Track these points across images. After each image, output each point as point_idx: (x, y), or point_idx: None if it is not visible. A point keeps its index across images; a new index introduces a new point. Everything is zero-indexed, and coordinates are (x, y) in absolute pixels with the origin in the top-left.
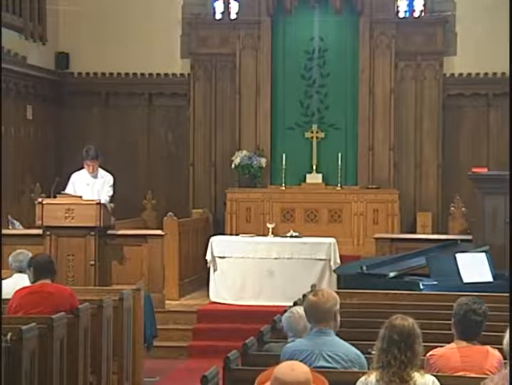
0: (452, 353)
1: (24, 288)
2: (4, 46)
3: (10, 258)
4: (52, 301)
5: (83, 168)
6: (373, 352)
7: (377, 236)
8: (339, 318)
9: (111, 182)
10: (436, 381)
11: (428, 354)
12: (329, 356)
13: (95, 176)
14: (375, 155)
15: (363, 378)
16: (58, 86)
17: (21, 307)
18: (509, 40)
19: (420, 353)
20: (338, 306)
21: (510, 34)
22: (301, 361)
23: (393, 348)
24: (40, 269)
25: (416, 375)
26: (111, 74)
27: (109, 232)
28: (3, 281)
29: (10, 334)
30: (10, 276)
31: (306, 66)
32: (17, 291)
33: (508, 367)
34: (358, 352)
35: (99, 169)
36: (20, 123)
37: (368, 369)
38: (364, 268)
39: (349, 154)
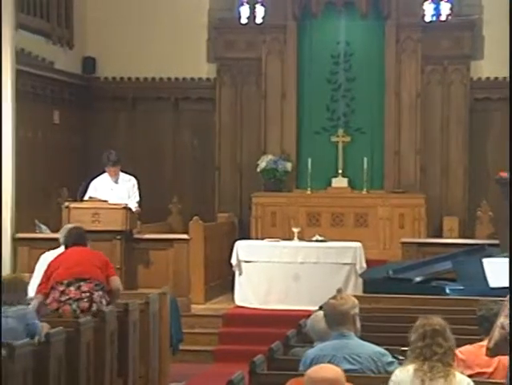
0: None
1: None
2: (31, 51)
3: (59, 234)
4: (95, 254)
5: (103, 172)
6: (404, 355)
7: (404, 240)
8: (358, 323)
9: (137, 186)
10: (471, 383)
11: (457, 350)
12: (352, 358)
13: (117, 181)
14: (402, 159)
15: (397, 372)
16: (85, 90)
17: (69, 255)
18: (509, 41)
19: (454, 345)
20: (357, 310)
21: (510, 36)
22: None
23: (438, 338)
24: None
25: (457, 374)
26: (138, 78)
27: (135, 236)
28: (51, 251)
29: (37, 337)
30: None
31: (332, 71)
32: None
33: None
34: (381, 350)
35: (121, 173)
36: (47, 127)
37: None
38: (391, 272)
39: (375, 158)
